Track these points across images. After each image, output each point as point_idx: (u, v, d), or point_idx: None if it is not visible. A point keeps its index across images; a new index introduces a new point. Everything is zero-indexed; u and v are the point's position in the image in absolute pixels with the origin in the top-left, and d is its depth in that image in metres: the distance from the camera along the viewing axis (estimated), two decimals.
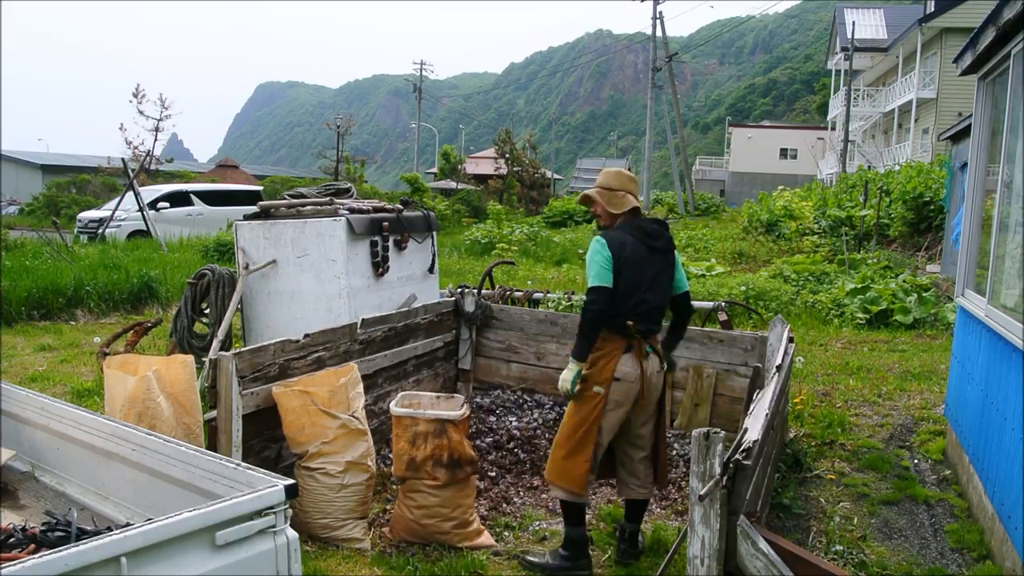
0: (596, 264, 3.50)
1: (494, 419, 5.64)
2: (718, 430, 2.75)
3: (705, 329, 5.58)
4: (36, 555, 1.81)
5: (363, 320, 5.00)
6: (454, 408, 3.96)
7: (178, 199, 19.02)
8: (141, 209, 16.60)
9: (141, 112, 36.54)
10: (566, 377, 3.51)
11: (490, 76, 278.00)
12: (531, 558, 3.69)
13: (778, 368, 4.01)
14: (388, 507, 4.32)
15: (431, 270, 6.54)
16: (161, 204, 18.20)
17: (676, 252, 3.78)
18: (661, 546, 3.85)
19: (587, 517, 3.94)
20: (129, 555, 1.91)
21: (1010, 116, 4.07)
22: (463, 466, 3.82)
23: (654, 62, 34.75)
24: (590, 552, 3.72)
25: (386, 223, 5.88)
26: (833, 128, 43.53)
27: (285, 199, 6.13)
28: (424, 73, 54.83)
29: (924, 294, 10.29)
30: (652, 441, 3.75)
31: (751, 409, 3.45)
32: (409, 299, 6.08)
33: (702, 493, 2.70)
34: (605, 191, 3.71)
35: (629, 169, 46.08)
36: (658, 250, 3.62)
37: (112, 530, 2.13)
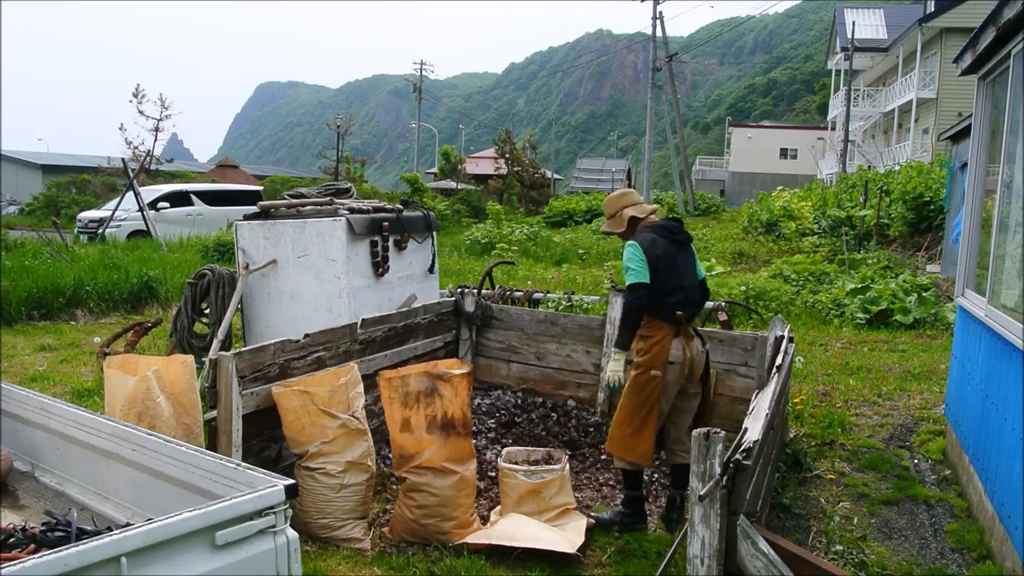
0: (634, 264, 4.00)
1: (494, 422, 5.64)
2: (718, 430, 2.76)
3: (705, 329, 5.58)
4: (36, 555, 1.81)
5: (363, 320, 5.00)
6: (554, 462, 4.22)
7: (178, 199, 19.00)
8: (141, 209, 16.60)
9: (141, 112, 36.57)
10: (615, 368, 4.03)
11: (490, 76, 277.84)
12: (599, 516, 4.15)
13: (778, 368, 4.01)
14: (388, 507, 4.32)
15: (431, 270, 6.54)
16: (161, 204, 18.19)
17: (692, 245, 4.30)
18: (661, 546, 3.85)
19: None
20: (129, 555, 1.90)
21: (1010, 116, 4.07)
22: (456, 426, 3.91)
23: (654, 62, 34.74)
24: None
25: (386, 223, 5.88)
26: (833, 128, 43.51)
27: (285, 199, 6.13)
28: (424, 73, 54.82)
29: (924, 294, 10.28)
30: (697, 412, 4.20)
31: (751, 409, 3.45)
32: (409, 299, 6.08)
33: (702, 493, 2.70)
34: (608, 220, 4.39)
35: (629, 169, 46.10)
36: (680, 243, 4.16)
37: (112, 530, 2.13)
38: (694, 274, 4.18)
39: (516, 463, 4.26)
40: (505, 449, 4.50)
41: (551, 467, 4.16)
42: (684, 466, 4.08)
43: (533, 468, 4.14)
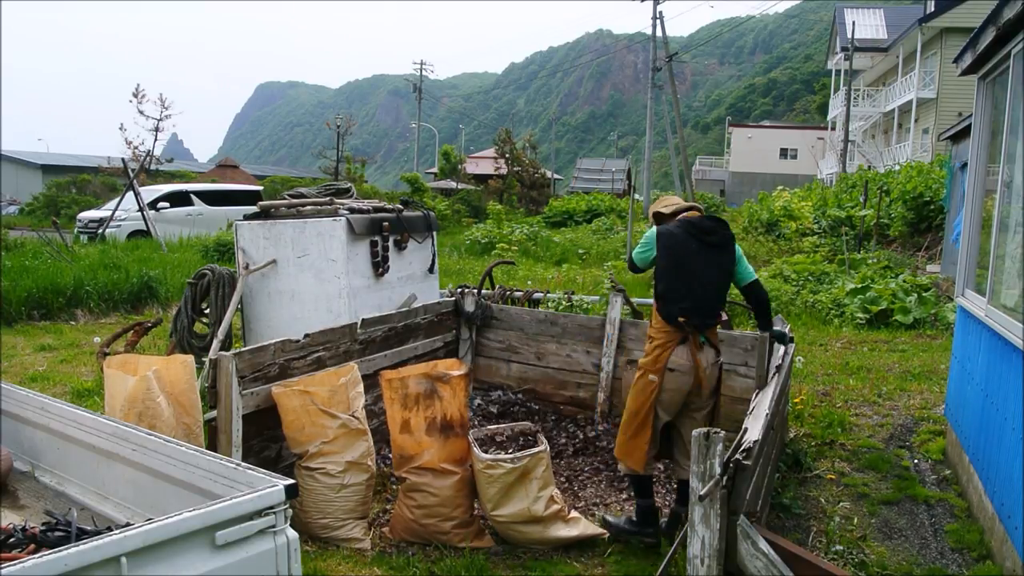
0: (640, 245, 3.99)
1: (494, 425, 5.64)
2: (718, 430, 2.76)
3: None
4: (36, 555, 1.81)
5: (363, 320, 5.00)
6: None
7: (178, 199, 19.00)
8: (141, 209, 16.59)
9: (141, 112, 36.57)
10: None
11: (490, 76, 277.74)
12: (608, 518, 4.04)
13: (778, 368, 4.01)
14: (388, 507, 4.32)
15: (431, 270, 6.54)
16: (161, 204, 18.19)
17: (735, 247, 3.94)
18: (661, 546, 3.85)
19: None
20: (129, 555, 1.90)
21: (1010, 116, 4.07)
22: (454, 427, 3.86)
23: (654, 62, 34.69)
24: (658, 521, 3.98)
25: (386, 223, 5.88)
26: (833, 128, 43.51)
27: (285, 199, 6.13)
28: (424, 73, 54.79)
29: (924, 294, 10.28)
30: (705, 426, 3.88)
31: (751, 409, 3.45)
32: (409, 299, 6.08)
33: (702, 493, 2.70)
34: (654, 203, 4.22)
35: (629, 169, 46.11)
36: (712, 245, 3.82)
37: (112, 530, 2.13)
38: (716, 280, 3.84)
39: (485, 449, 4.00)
40: (470, 433, 4.02)
41: (533, 450, 3.84)
42: (687, 482, 3.87)
43: (518, 455, 3.82)
